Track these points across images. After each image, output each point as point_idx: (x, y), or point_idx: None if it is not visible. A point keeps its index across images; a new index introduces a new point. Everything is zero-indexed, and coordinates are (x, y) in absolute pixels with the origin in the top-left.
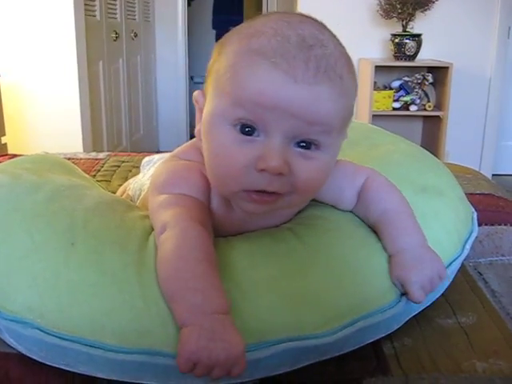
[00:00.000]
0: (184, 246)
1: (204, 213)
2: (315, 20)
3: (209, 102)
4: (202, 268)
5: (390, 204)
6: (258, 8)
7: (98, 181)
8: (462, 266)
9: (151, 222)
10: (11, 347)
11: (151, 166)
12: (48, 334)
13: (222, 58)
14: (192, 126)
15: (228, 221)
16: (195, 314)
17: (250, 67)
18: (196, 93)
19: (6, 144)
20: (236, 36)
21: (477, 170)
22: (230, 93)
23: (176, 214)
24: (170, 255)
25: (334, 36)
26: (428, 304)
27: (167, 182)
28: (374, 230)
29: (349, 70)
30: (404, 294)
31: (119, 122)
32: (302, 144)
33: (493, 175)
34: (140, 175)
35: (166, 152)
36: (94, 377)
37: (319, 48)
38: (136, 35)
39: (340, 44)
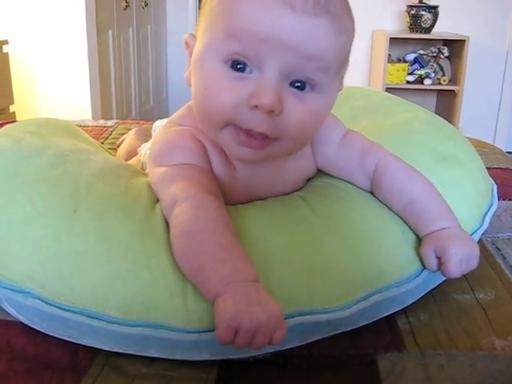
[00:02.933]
0: (204, 217)
1: (211, 180)
2: None
3: (200, 39)
4: (226, 238)
5: (413, 194)
6: None
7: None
8: (480, 241)
9: (156, 194)
10: (13, 316)
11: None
12: (49, 304)
13: None
14: None
15: (232, 184)
16: (227, 283)
17: None
18: (187, 35)
19: (14, 112)
20: None
21: None
22: (223, 24)
23: (184, 186)
24: (190, 228)
25: None
26: (445, 278)
27: (163, 152)
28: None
29: (348, 11)
30: (438, 267)
31: (129, 92)
32: (296, 84)
33: (506, 152)
34: (150, 141)
35: None
36: (98, 348)
37: None
38: (146, 4)
39: None
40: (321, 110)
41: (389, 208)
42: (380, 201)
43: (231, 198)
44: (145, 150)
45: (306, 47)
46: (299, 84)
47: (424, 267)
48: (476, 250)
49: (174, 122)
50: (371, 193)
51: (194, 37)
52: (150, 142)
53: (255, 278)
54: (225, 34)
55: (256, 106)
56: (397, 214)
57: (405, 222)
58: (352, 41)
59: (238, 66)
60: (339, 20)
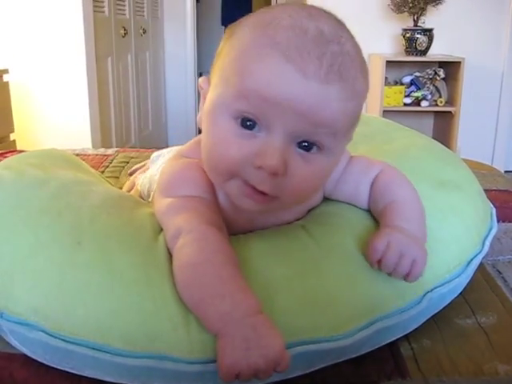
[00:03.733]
0: (206, 250)
1: (215, 212)
2: (336, 17)
3: (213, 89)
4: (227, 271)
5: (398, 196)
6: (267, 4)
7: (106, 177)
8: (481, 264)
9: (160, 225)
10: (16, 348)
11: (161, 160)
12: (53, 336)
13: (233, 42)
14: None
15: (237, 216)
16: (226, 322)
17: (260, 57)
18: (201, 79)
19: (14, 140)
20: (251, 21)
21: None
22: (235, 82)
23: (189, 218)
24: (192, 260)
25: (353, 36)
26: (447, 303)
27: (171, 183)
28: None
29: (363, 72)
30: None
31: (128, 118)
32: (304, 144)
33: (505, 172)
34: (149, 170)
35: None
36: (102, 380)
37: (337, 44)
38: (145, 31)
39: (357, 44)
40: (326, 170)
41: (375, 214)
42: (370, 205)
43: (234, 228)
44: (142, 179)
45: (315, 114)
46: (306, 144)
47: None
48: (421, 254)
49: (181, 155)
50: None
51: (208, 80)
52: (148, 173)
53: (256, 310)
54: (236, 92)
55: (261, 167)
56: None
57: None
58: (364, 101)
59: (248, 123)
60: (352, 85)
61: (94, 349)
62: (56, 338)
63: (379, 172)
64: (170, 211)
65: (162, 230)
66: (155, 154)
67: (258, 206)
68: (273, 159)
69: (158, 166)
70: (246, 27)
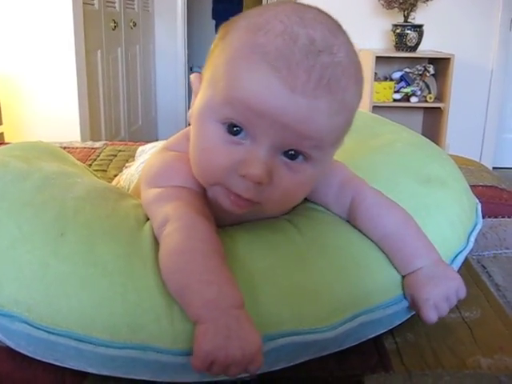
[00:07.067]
0: (195, 237)
1: (204, 204)
2: (332, 18)
3: (203, 91)
4: (215, 261)
5: (387, 229)
6: None
7: (94, 170)
8: (466, 259)
9: (147, 215)
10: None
11: (142, 158)
12: (36, 328)
13: (225, 45)
14: None
15: (224, 210)
16: (210, 309)
17: (248, 66)
18: (193, 75)
19: (2, 133)
20: (244, 22)
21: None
22: (222, 88)
23: (177, 206)
24: (180, 247)
25: (349, 40)
26: None
27: (159, 174)
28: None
29: (356, 81)
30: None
31: (117, 112)
32: (289, 153)
33: (493, 168)
34: (133, 166)
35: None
36: (85, 373)
37: (328, 55)
38: (135, 24)
39: (353, 50)
40: (311, 180)
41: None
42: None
43: (222, 221)
44: (126, 174)
45: (301, 128)
46: (292, 153)
47: None
48: (456, 283)
49: (169, 148)
50: None
51: (200, 78)
52: (132, 168)
53: (240, 304)
54: (223, 98)
55: (245, 176)
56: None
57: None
58: (355, 111)
59: (235, 129)
60: (341, 98)
61: (77, 340)
62: (39, 329)
63: (352, 198)
64: (158, 200)
65: (147, 220)
66: (140, 148)
67: (242, 210)
68: (257, 169)
69: (137, 164)
70: (238, 31)
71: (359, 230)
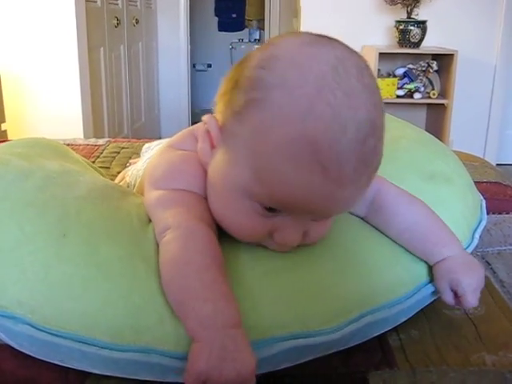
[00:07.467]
0: (191, 248)
1: (206, 209)
2: (364, 63)
3: (228, 158)
4: (211, 275)
5: (414, 218)
6: None
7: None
8: None
9: (150, 217)
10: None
11: (148, 154)
12: (39, 330)
13: (253, 115)
14: (194, 113)
15: None
16: (206, 327)
17: (297, 164)
18: (208, 118)
19: (5, 131)
20: (276, 80)
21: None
22: (265, 183)
23: (178, 212)
24: (177, 258)
25: (380, 98)
26: (436, 297)
27: (164, 176)
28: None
29: (382, 143)
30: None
31: (120, 109)
32: None
33: (497, 164)
34: (139, 162)
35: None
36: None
37: (371, 137)
38: (138, 22)
39: (382, 113)
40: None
41: (381, 232)
42: (377, 225)
43: None
44: (131, 171)
45: (331, 211)
46: None
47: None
48: (483, 272)
49: (174, 146)
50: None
51: (215, 123)
52: (138, 164)
53: (236, 322)
54: (268, 196)
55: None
56: (391, 239)
57: (402, 246)
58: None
59: (269, 208)
60: (372, 175)
61: (80, 342)
62: (42, 331)
63: (377, 190)
64: (159, 204)
65: (150, 220)
66: (146, 145)
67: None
68: (293, 238)
69: (144, 161)
70: (273, 102)
71: (372, 226)
